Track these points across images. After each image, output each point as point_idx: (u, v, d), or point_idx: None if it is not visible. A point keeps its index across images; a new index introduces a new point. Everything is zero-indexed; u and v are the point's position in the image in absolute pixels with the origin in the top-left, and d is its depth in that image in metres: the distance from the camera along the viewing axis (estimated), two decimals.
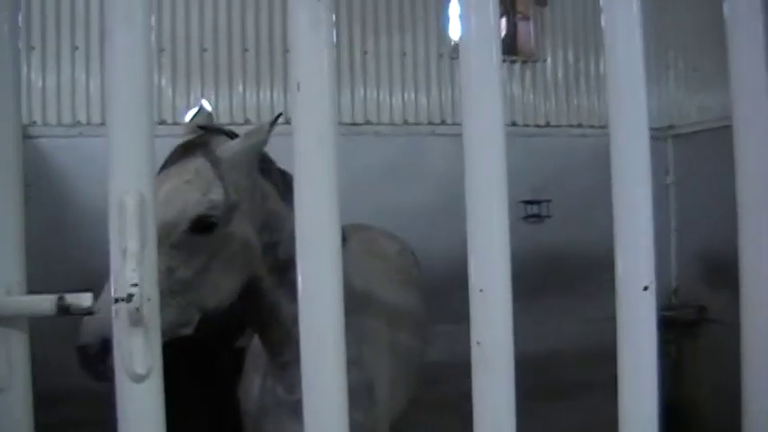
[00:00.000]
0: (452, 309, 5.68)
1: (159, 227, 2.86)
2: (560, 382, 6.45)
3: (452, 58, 6.77)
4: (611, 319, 1.99)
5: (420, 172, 6.47)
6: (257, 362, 3.78)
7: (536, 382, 6.22)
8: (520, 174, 6.49)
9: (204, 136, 3.20)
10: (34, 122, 6.05)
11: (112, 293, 1.55)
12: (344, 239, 3.99)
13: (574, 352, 6.61)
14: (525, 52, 7.05)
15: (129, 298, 1.51)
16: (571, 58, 7.16)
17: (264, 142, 3.20)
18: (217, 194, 3.00)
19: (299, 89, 1.58)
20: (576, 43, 7.16)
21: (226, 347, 4.40)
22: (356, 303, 3.88)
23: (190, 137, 3.27)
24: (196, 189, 2.96)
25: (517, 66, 6.93)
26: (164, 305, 2.85)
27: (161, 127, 6.07)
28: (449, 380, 5.33)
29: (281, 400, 3.65)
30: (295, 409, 3.64)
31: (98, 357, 2.63)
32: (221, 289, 3.11)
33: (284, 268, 3.30)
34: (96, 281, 5.62)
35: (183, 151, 3.11)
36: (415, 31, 6.79)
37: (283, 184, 3.40)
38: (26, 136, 5.86)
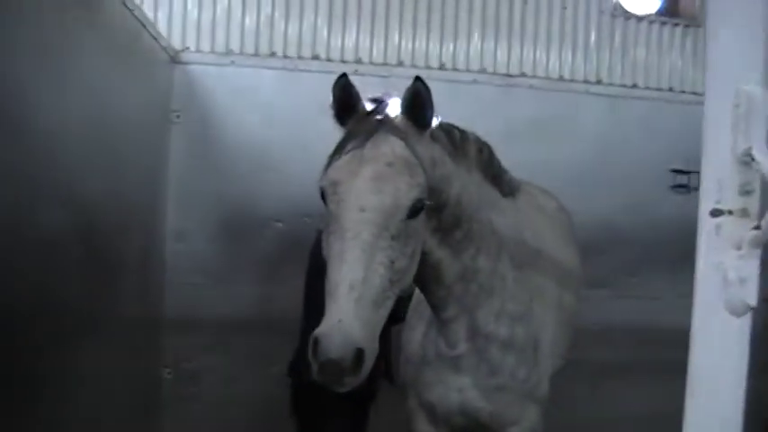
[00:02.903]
0: (593, 273, 5.62)
1: (377, 218, 2.70)
2: None
3: (614, 16, 6.54)
4: None
5: (572, 130, 6.31)
6: (422, 311, 3.72)
7: (666, 357, 6.04)
8: (672, 141, 6.30)
9: (382, 107, 3.03)
10: (187, 48, 5.97)
11: (718, 206, 1.28)
12: (516, 191, 3.91)
13: None
14: (687, 15, 6.78)
15: None
16: None
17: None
18: (421, 176, 2.87)
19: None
20: None
21: None
22: (528, 257, 3.79)
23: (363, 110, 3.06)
24: (403, 173, 2.81)
25: (678, 30, 6.67)
26: (385, 297, 2.72)
27: (314, 62, 6.04)
28: (580, 345, 5.20)
29: (442, 353, 3.60)
30: (455, 364, 3.60)
31: (352, 369, 2.52)
32: (415, 267, 2.99)
33: (447, 229, 3.22)
34: (236, 205, 5.71)
35: (367, 127, 2.94)
36: None
37: (449, 141, 3.25)
38: (178, 61, 5.84)
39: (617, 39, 6.57)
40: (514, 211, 3.80)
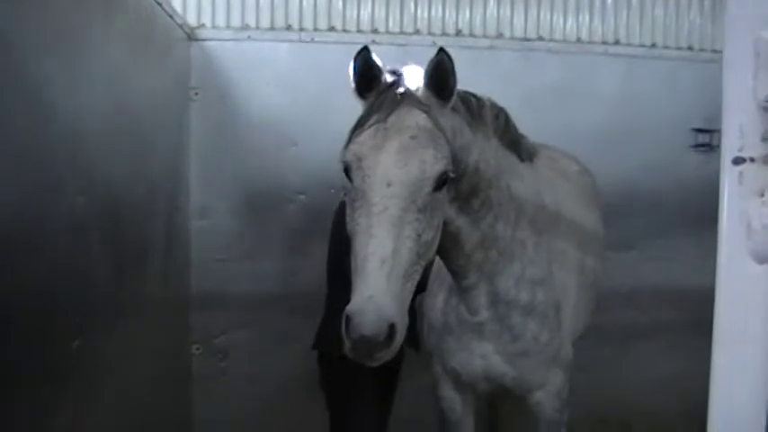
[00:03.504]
0: (618, 236, 5.61)
1: (404, 191, 2.68)
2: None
3: None
4: None
5: (592, 92, 6.25)
6: (443, 278, 3.73)
7: (693, 317, 6.03)
8: (693, 100, 6.23)
9: (401, 79, 2.98)
10: (203, 25, 5.96)
11: (740, 153, 1.29)
12: (534, 156, 3.90)
13: None
14: None
15: None
16: None
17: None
18: (445, 148, 2.85)
19: None
20: None
21: None
22: (548, 222, 3.79)
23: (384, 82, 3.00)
24: (428, 146, 2.79)
25: None
26: (413, 271, 2.72)
27: (331, 33, 6.03)
28: (607, 308, 5.20)
29: (464, 320, 3.63)
30: (478, 330, 3.62)
31: (385, 345, 2.53)
32: (438, 239, 2.99)
33: (465, 197, 3.21)
34: (258, 179, 5.71)
35: (389, 99, 2.90)
36: None
37: (467, 109, 3.21)
38: (194, 38, 5.82)
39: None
40: (533, 175, 3.79)
